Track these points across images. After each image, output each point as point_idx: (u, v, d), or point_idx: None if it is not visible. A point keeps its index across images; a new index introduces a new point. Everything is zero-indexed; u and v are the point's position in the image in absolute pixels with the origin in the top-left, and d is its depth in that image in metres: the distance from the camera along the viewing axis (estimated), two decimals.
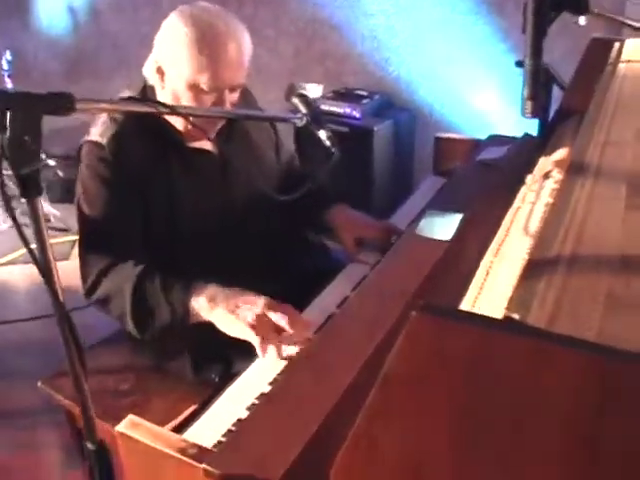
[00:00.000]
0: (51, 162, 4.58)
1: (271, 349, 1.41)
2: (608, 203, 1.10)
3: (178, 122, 1.66)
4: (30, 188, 0.91)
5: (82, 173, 1.64)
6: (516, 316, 0.82)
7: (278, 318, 1.43)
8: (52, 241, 3.32)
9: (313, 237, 2.04)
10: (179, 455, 1.15)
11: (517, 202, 1.58)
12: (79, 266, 1.68)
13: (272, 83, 3.48)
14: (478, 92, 3.53)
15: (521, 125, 2.30)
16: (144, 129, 1.64)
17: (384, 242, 1.86)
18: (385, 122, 3.57)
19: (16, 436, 2.62)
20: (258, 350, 1.41)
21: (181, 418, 1.45)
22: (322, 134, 1.64)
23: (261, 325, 1.42)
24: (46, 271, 0.97)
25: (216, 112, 1.65)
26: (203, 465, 1.11)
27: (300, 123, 1.61)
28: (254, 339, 1.41)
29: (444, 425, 0.79)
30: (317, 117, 1.63)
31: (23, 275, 3.60)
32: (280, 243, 1.90)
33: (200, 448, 1.16)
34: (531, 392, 0.70)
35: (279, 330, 1.45)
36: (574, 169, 1.28)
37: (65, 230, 4.09)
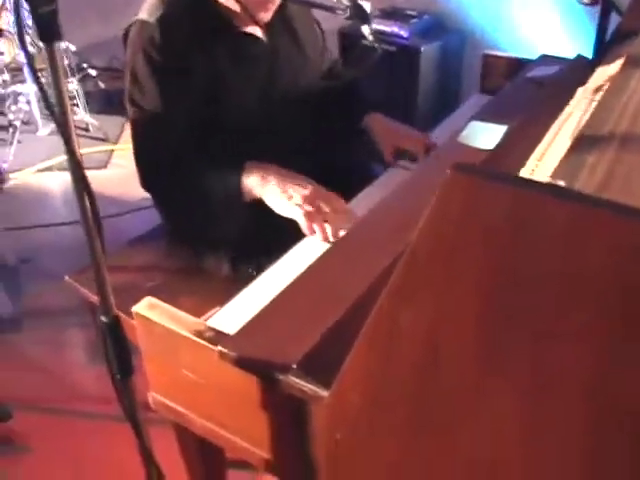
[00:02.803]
0: (92, 72, 4.54)
1: (314, 236, 1.43)
2: None
3: (230, 2, 1.59)
4: (48, 30, 0.85)
5: (131, 58, 1.58)
6: (562, 183, 0.76)
7: (324, 203, 1.46)
8: (90, 150, 3.35)
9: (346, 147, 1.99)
10: (195, 337, 1.12)
11: (566, 112, 1.49)
12: (134, 156, 1.64)
13: None
14: (531, 15, 3.38)
15: (575, 51, 2.21)
16: (194, 9, 1.57)
17: (422, 155, 1.80)
18: (433, 43, 3.44)
19: (46, 334, 2.66)
20: (303, 226, 1.43)
21: (211, 313, 1.42)
22: (365, 29, 1.58)
23: (308, 205, 1.45)
24: (62, 120, 0.92)
25: None
26: (218, 347, 1.08)
27: (344, 14, 1.54)
28: (299, 216, 1.43)
29: (473, 302, 0.74)
30: (361, 12, 1.57)
31: (60, 181, 3.63)
32: (320, 141, 1.86)
33: (218, 332, 1.13)
34: (574, 262, 0.65)
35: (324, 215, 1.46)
36: (632, 61, 1.19)
37: (103, 139, 4.08)
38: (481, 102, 2.22)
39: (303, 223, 1.43)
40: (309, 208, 1.44)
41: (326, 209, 1.45)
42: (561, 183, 0.76)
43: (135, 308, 1.22)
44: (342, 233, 1.42)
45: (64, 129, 0.92)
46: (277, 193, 1.47)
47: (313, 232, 1.43)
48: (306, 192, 1.46)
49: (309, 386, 1.00)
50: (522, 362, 0.74)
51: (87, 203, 0.98)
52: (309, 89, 1.79)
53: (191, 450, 1.44)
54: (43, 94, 0.91)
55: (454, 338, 0.77)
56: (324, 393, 0.98)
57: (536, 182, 0.74)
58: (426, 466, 0.94)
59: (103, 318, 1.09)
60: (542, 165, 1.12)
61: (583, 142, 0.88)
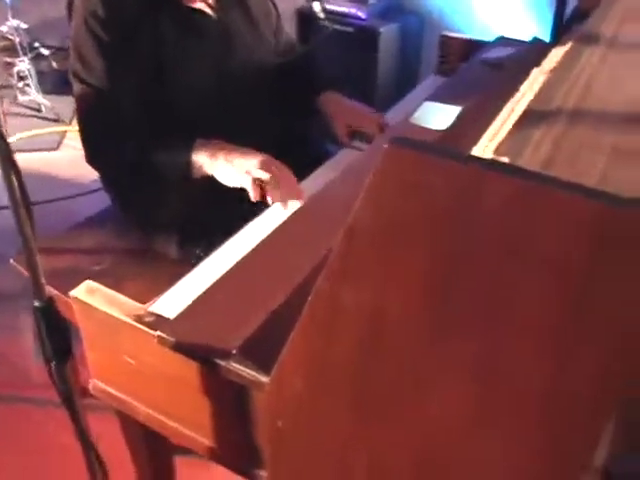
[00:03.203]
0: (44, 51, 4.43)
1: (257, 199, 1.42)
2: (619, 69, 1.00)
3: None
4: None
5: (75, 32, 1.53)
6: (505, 159, 0.73)
7: (272, 175, 1.43)
8: (42, 131, 3.25)
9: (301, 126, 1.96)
10: (134, 322, 1.09)
11: (520, 93, 1.47)
12: (80, 132, 1.61)
13: None
14: None
15: (533, 35, 2.19)
16: None
17: (377, 135, 1.77)
18: (392, 24, 3.41)
19: (3, 318, 2.59)
20: (250, 193, 1.42)
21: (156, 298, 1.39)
22: (316, 6, 1.54)
23: (257, 171, 1.43)
24: None
25: None
26: (158, 333, 1.04)
27: None
28: (247, 183, 1.42)
29: (415, 277, 0.71)
30: None
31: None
32: (275, 119, 1.83)
33: (158, 317, 1.09)
34: (516, 239, 0.63)
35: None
36: (584, 39, 1.17)
37: (56, 120, 3.98)
38: (437, 83, 2.19)
39: (249, 188, 1.42)
40: (258, 173, 1.42)
41: (277, 173, 1.43)
42: (504, 159, 0.73)
43: (73, 292, 1.17)
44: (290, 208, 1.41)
45: None
46: (226, 166, 1.46)
47: (259, 197, 1.42)
48: (255, 161, 1.44)
49: (249, 372, 0.97)
50: (467, 339, 0.72)
51: (14, 180, 0.92)
52: (263, 67, 1.76)
53: (135, 437, 1.41)
54: None
55: (398, 314, 0.75)
56: (265, 379, 0.95)
57: (477, 157, 0.72)
58: (372, 452, 0.92)
59: (36, 303, 1.04)
60: (493, 144, 1.10)
61: (529, 118, 0.86)
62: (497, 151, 0.78)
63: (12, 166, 0.93)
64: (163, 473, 1.52)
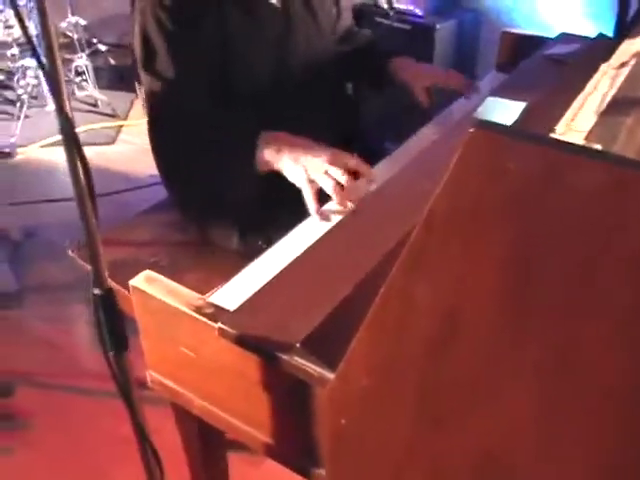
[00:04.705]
0: (102, 47, 4.49)
1: (323, 211, 1.35)
2: None
3: None
4: None
5: (142, 23, 1.52)
6: (598, 146, 0.69)
7: (338, 175, 1.35)
8: (99, 125, 3.30)
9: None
10: (194, 313, 1.07)
11: (588, 88, 1.41)
12: (148, 123, 1.60)
13: None
14: None
15: (594, 31, 2.13)
16: None
17: (458, 89, 1.80)
18: (449, 21, 3.37)
19: (50, 310, 2.62)
20: (309, 203, 1.35)
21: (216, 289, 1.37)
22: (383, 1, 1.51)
23: (320, 178, 1.35)
24: (51, 70, 0.85)
25: None
26: (219, 324, 1.02)
27: None
28: (307, 191, 1.35)
29: (495, 271, 0.68)
30: None
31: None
32: (339, 104, 1.82)
33: (218, 308, 1.07)
34: (607, 230, 0.59)
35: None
36: None
37: (112, 115, 4.03)
38: (497, 80, 2.14)
39: (308, 199, 1.35)
40: (320, 180, 1.35)
41: (341, 179, 1.35)
42: (597, 147, 0.69)
43: (132, 282, 1.16)
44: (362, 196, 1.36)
45: (53, 80, 0.86)
46: (289, 163, 1.40)
47: (316, 206, 1.34)
48: (319, 160, 1.37)
49: (313, 367, 0.94)
50: (546, 336, 0.68)
51: (78, 162, 0.91)
52: (322, 56, 1.73)
53: (189, 431, 1.39)
54: (30, 43, 0.84)
55: (474, 311, 0.71)
56: (329, 375, 0.92)
57: (570, 143, 0.68)
58: (435, 457, 0.89)
59: (96, 290, 1.03)
60: (572, 131, 1.04)
61: (618, 106, 0.81)
62: (588, 138, 0.73)
63: (78, 150, 0.92)
64: (216, 469, 1.51)
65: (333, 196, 1.34)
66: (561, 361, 0.70)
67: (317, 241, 1.20)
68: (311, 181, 1.35)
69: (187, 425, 1.38)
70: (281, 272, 1.12)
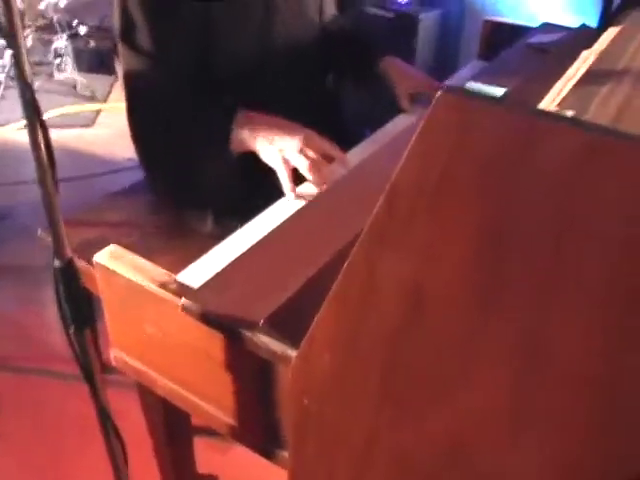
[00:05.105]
0: (82, 29, 4.42)
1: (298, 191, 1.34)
2: None
3: None
4: None
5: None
6: (570, 112, 0.67)
7: (313, 152, 1.35)
8: (77, 108, 3.25)
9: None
10: (158, 290, 1.04)
11: (570, 72, 1.39)
12: (126, 99, 1.54)
13: None
14: None
15: (577, 22, 2.13)
16: None
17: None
18: (433, 11, 3.35)
19: (20, 291, 2.58)
20: (284, 183, 1.33)
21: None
22: None
23: (295, 158, 1.34)
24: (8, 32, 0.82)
25: None
26: (182, 301, 1.00)
27: None
28: (282, 172, 1.33)
29: (465, 242, 0.65)
30: None
31: None
32: (319, 91, 1.80)
33: (183, 284, 1.04)
34: (582, 202, 0.56)
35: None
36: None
37: (91, 98, 3.98)
38: (478, 69, 2.12)
39: (283, 180, 1.33)
40: (295, 160, 1.33)
41: (315, 157, 1.34)
42: (569, 113, 0.67)
43: (96, 257, 1.13)
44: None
45: (13, 43, 0.82)
46: (264, 144, 1.38)
47: (291, 185, 1.33)
48: (295, 141, 1.35)
49: (276, 344, 0.92)
50: (517, 315, 0.66)
51: (37, 125, 0.88)
52: (308, 40, 1.70)
53: (154, 413, 1.36)
54: None
55: (441, 288, 0.68)
56: (292, 353, 0.90)
57: (540, 109, 0.65)
58: (399, 439, 0.86)
59: (56, 262, 0.99)
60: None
61: (593, 76, 0.79)
62: (560, 105, 0.71)
63: (37, 115, 0.89)
64: (182, 453, 1.48)
65: (308, 176, 1.32)
66: (532, 343, 0.68)
67: (285, 221, 1.18)
68: (286, 161, 1.33)
69: (152, 406, 1.35)
70: (248, 250, 1.09)
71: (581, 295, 0.60)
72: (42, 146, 0.90)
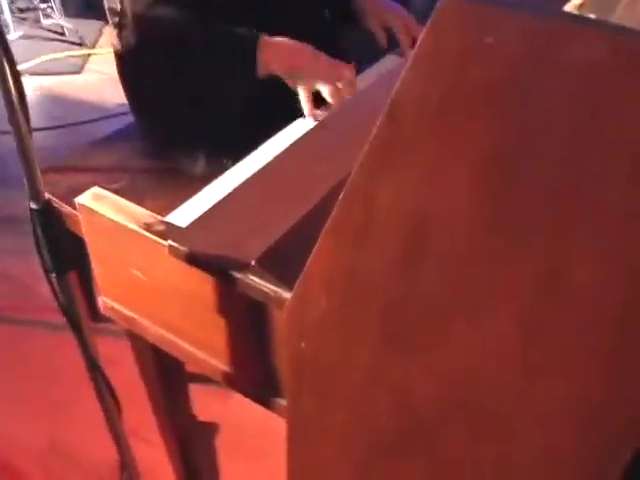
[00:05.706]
0: None
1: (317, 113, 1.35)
2: None
3: None
4: None
5: None
6: (592, 16, 0.60)
7: (336, 81, 1.34)
8: (64, 54, 3.14)
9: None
10: (144, 231, 0.98)
11: None
12: (116, 31, 1.47)
13: None
14: None
15: None
16: None
17: (402, 38, 1.66)
18: None
19: (19, 242, 2.53)
20: (304, 105, 1.34)
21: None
22: None
23: (318, 82, 1.34)
24: None
25: None
26: (169, 242, 0.94)
27: None
28: (303, 94, 1.34)
29: (472, 166, 0.59)
30: None
31: (32, 86, 3.43)
32: (324, 25, 1.74)
33: (170, 225, 0.98)
34: (604, 115, 0.50)
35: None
36: None
37: (79, 44, 3.87)
38: None
39: (302, 96, 1.33)
40: (318, 81, 1.33)
41: (338, 83, 1.34)
42: (591, 16, 0.60)
43: (79, 199, 1.07)
44: None
45: None
46: (289, 66, 1.36)
47: (310, 107, 1.34)
48: (318, 65, 1.35)
49: (269, 286, 0.86)
50: (529, 248, 0.60)
51: (5, 67, 0.81)
52: None
53: (146, 360, 1.31)
54: None
55: (447, 217, 0.62)
56: (286, 294, 0.84)
57: (561, 12, 0.58)
58: (401, 382, 0.81)
59: (32, 205, 0.93)
60: None
61: None
62: (581, 8, 0.64)
63: (3, 44, 0.81)
64: (177, 400, 1.44)
65: (331, 100, 1.32)
66: (547, 272, 0.62)
67: (278, 156, 1.11)
68: (308, 83, 1.34)
69: (144, 354, 1.30)
70: (238, 188, 1.03)
71: (602, 217, 0.54)
72: (11, 83, 0.83)
